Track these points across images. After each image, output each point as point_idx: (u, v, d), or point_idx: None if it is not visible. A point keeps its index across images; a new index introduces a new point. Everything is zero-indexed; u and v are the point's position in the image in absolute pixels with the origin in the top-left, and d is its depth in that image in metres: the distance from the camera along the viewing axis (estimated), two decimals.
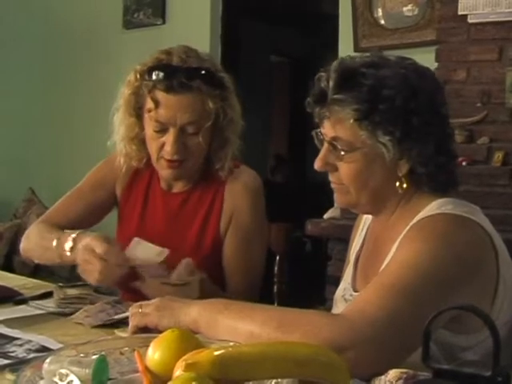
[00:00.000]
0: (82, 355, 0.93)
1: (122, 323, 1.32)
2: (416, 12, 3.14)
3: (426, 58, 2.50)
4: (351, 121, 1.20)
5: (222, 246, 1.67)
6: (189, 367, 0.78)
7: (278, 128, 7.43)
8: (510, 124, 2.65)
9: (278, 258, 2.01)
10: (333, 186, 1.29)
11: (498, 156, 2.60)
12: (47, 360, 0.88)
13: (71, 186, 1.80)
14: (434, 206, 1.20)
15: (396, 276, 1.07)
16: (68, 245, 1.50)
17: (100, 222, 1.80)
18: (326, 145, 1.26)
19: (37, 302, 1.53)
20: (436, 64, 2.83)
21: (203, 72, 1.57)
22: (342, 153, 1.23)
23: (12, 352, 1.14)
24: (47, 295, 1.56)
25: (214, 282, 1.56)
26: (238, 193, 1.67)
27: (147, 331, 1.15)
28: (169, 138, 1.57)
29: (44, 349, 1.16)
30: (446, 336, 1.14)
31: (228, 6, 4.12)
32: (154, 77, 1.56)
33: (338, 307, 1.37)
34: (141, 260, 1.44)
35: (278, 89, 7.34)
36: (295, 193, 5.96)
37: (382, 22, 3.26)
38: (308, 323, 1.02)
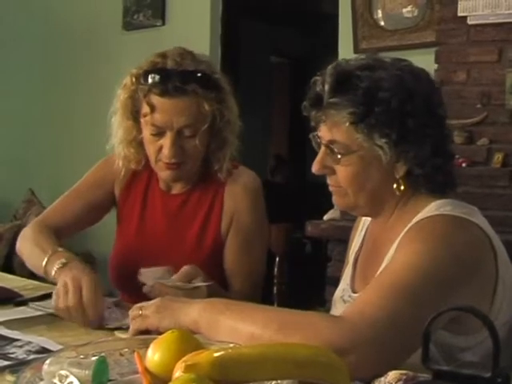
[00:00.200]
0: (81, 356, 0.93)
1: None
2: (416, 13, 3.14)
3: (426, 60, 2.51)
4: (347, 124, 1.20)
5: (222, 247, 1.67)
6: (188, 368, 0.78)
7: (278, 128, 7.43)
8: (510, 125, 2.65)
9: (277, 258, 2.01)
10: (331, 188, 1.30)
11: (498, 157, 2.60)
12: (47, 361, 0.88)
13: (71, 186, 1.80)
14: (432, 207, 1.21)
15: (396, 277, 1.07)
16: (57, 265, 1.45)
17: (97, 222, 1.80)
18: (323, 148, 1.27)
19: (37, 303, 1.53)
20: (436, 65, 2.83)
21: (199, 75, 1.57)
22: (339, 156, 1.23)
23: (12, 353, 1.14)
24: (47, 296, 1.55)
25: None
26: (238, 194, 1.67)
27: (147, 333, 1.15)
28: (166, 142, 1.57)
29: (44, 350, 1.16)
30: (445, 337, 1.14)
31: (228, 6, 4.12)
32: (149, 81, 1.56)
33: (337, 308, 1.37)
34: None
35: (278, 89, 7.34)
36: (295, 193, 5.95)
37: (382, 23, 3.26)
38: (309, 326, 1.02)
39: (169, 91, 1.54)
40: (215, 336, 1.06)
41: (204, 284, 1.42)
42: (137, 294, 1.44)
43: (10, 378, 1.00)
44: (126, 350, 0.97)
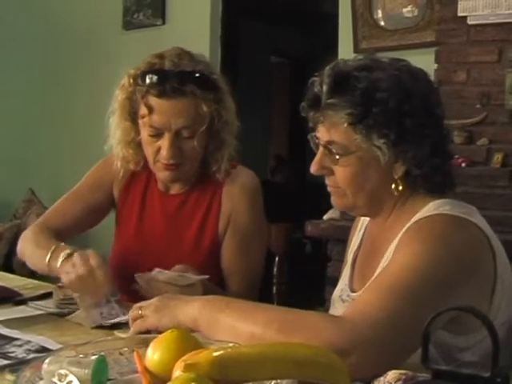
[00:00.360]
0: (81, 356, 0.93)
1: (122, 323, 1.32)
2: (416, 13, 3.14)
3: (426, 60, 2.51)
4: (345, 125, 1.20)
5: (220, 247, 1.67)
6: (188, 368, 0.78)
7: (278, 128, 7.43)
8: (510, 125, 2.65)
9: (277, 258, 2.01)
10: (329, 189, 1.30)
11: (498, 157, 2.60)
12: (46, 360, 0.88)
13: (71, 186, 1.80)
14: (431, 207, 1.21)
15: (395, 277, 1.07)
16: (61, 257, 1.47)
17: (97, 224, 1.80)
18: (321, 149, 1.27)
19: (36, 302, 1.53)
20: (436, 65, 2.83)
21: (196, 76, 1.56)
22: (337, 157, 1.23)
23: (11, 352, 1.14)
24: (47, 296, 1.56)
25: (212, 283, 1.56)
26: (236, 194, 1.67)
27: (147, 332, 1.15)
28: (164, 143, 1.57)
29: (43, 349, 1.16)
30: (444, 337, 1.14)
31: (228, 6, 4.12)
32: (146, 81, 1.55)
33: (336, 307, 1.37)
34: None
35: (278, 89, 7.34)
36: (295, 193, 5.95)
37: (382, 23, 3.26)
38: (310, 326, 1.02)
39: (166, 92, 1.53)
40: (214, 334, 1.06)
41: (198, 278, 1.42)
42: (136, 294, 1.44)
43: (9, 377, 1.00)
44: (126, 349, 0.97)
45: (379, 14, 3.27)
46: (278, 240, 1.97)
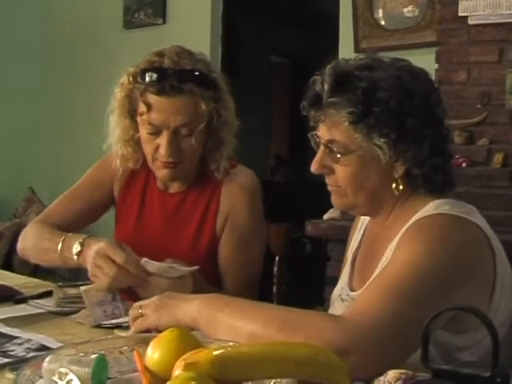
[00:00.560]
0: (81, 354, 0.93)
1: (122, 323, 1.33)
2: (416, 13, 3.14)
3: (426, 59, 2.51)
4: (346, 124, 1.20)
5: (218, 246, 1.67)
6: (188, 367, 0.78)
7: (278, 128, 7.43)
8: (510, 125, 2.65)
9: (277, 258, 2.01)
10: (329, 188, 1.30)
11: (498, 157, 2.60)
12: (47, 359, 0.89)
13: (71, 185, 1.80)
14: (431, 207, 1.21)
15: (395, 277, 1.07)
16: (75, 249, 1.49)
17: (97, 220, 1.80)
18: (321, 148, 1.27)
19: (36, 301, 1.53)
20: (436, 65, 2.83)
21: (196, 74, 1.56)
22: (338, 155, 1.23)
23: (12, 351, 1.15)
24: (47, 294, 1.56)
25: (210, 282, 1.56)
26: (235, 194, 1.67)
27: (147, 331, 1.15)
28: (162, 141, 1.57)
29: (43, 348, 1.16)
30: (444, 336, 1.14)
31: (228, 5, 4.13)
32: (145, 79, 1.55)
33: (335, 307, 1.38)
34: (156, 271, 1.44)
35: (278, 89, 7.34)
36: (295, 193, 5.95)
37: (383, 22, 3.26)
38: (310, 325, 1.02)
39: (165, 90, 1.53)
40: (214, 333, 1.06)
41: (188, 269, 1.43)
42: (136, 292, 1.44)
43: (9, 375, 1.01)
44: (126, 348, 0.97)
45: (380, 13, 3.27)
46: (277, 240, 1.97)
